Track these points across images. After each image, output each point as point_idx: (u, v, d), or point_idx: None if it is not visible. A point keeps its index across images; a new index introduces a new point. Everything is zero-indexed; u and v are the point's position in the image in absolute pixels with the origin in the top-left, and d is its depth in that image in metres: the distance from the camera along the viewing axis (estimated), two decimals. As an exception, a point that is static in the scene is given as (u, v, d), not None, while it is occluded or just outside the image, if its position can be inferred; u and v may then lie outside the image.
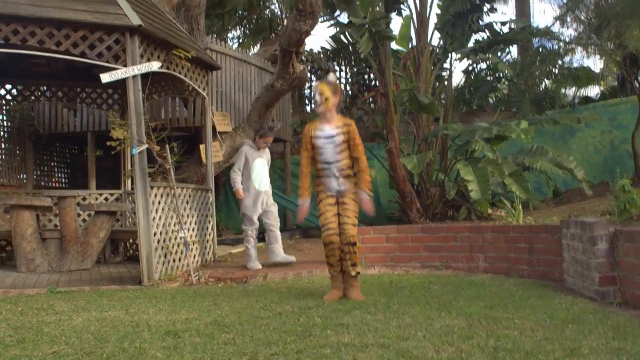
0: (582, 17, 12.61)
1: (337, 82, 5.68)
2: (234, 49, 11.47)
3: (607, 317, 4.14)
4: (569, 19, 12.85)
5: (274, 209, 8.16)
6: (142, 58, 7.29)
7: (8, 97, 10.62)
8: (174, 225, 7.67)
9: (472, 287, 5.80)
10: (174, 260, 7.68)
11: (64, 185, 11.84)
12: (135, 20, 7.05)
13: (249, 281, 7.04)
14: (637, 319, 4.09)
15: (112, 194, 9.71)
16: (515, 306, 4.67)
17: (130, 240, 9.78)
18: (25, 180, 10.90)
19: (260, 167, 8.10)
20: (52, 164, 11.93)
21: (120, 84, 8.52)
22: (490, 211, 9.71)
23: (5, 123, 10.82)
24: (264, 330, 3.97)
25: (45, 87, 10.71)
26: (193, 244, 8.00)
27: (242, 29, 15.44)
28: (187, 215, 8.02)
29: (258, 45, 14.50)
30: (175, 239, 7.71)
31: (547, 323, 3.96)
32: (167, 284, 7.06)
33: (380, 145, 12.22)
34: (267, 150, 8.32)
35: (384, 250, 7.74)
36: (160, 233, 7.45)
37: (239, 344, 3.57)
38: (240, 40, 14.68)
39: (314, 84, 13.76)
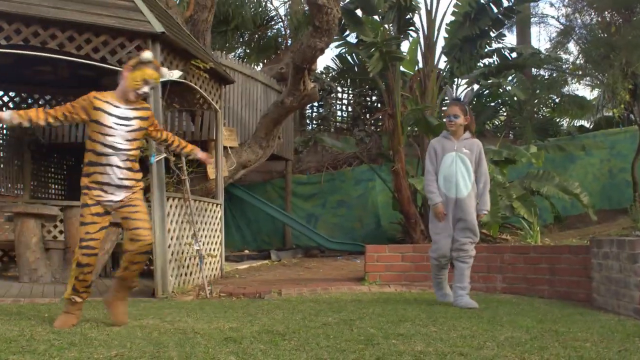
0: (575, 49, 12.79)
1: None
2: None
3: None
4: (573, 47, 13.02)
5: (469, 229, 5.68)
6: (162, 66, 7.17)
7: (11, 104, 10.34)
8: (187, 237, 7.52)
9: (503, 305, 5.72)
10: (185, 274, 7.50)
11: (61, 198, 11.54)
12: (158, 27, 6.92)
13: (263, 296, 6.88)
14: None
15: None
16: (565, 321, 4.59)
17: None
18: (22, 191, 10.62)
19: (453, 165, 5.67)
20: (49, 175, 11.64)
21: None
22: (498, 234, 9.69)
23: (4, 131, 10.56)
24: (324, 338, 3.79)
25: (50, 96, 10.46)
26: (208, 257, 7.84)
27: (245, 47, 15.39)
28: (200, 229, 7.85)
29: (261, 64, 14.44)
30: (188, 252, 7.53)
31: (612, 336, 3.88)
32: (181, 297, 6.89)
33: (383, 167, 12.20)
34: (472, 142, 5.76)
35: (400, 269, 7.62)
36: (175, 245, 7.28)
37: (309, 351, 3.39)
38: (244, 60, 14.61)
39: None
